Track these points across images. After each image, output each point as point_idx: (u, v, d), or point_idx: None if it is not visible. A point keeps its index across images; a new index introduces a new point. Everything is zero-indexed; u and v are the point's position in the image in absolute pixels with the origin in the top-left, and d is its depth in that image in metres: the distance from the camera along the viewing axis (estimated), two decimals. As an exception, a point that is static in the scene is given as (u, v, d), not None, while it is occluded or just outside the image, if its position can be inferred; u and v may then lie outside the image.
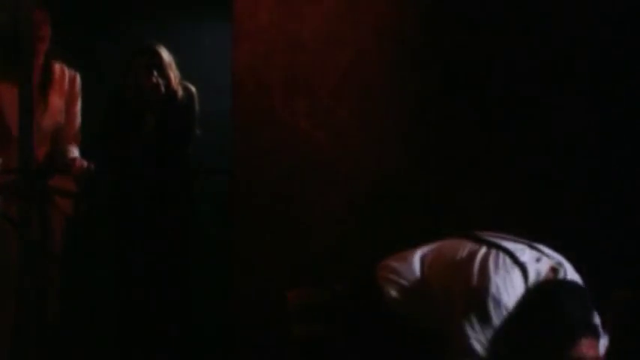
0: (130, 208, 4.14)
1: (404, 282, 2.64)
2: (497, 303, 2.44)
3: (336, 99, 3.81)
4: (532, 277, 2.49)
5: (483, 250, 2.58)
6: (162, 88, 4.13)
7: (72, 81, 4.17)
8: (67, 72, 4.16)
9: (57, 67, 4.12)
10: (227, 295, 4.05)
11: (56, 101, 4.08)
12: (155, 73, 4.11)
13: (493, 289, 2.45)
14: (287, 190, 3.83)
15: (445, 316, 2.51)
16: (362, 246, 3.72)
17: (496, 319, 2.44)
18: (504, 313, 2.44)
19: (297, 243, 3.84)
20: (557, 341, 2.38)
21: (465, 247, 2.63)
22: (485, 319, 2.43)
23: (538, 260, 2.54)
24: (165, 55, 4.17)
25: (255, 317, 3.81)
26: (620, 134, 3.58)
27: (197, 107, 4.28)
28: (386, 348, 2.62)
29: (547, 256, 2.58)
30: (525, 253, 2.56)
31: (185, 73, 4.26)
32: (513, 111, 3.70)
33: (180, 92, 4.22)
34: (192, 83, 4.29)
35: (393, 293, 2.63)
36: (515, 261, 2.52)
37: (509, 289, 2.46)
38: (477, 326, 2.43)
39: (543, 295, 2.46)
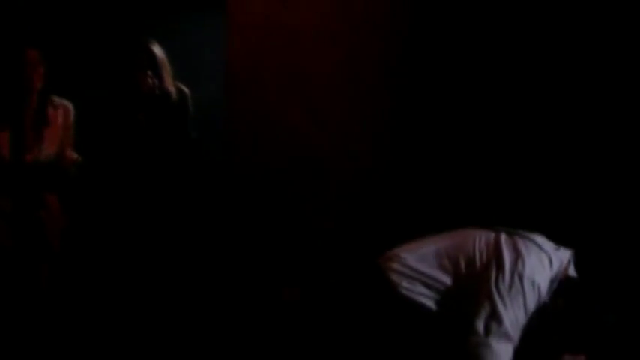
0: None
1: (415, 272, 2.60)
2: (532, 283, 2.43)
3: (330, 92, 3.83)
4: (555, 264, 2.51)
5: (505, 235, 2.58)
6: (157, 89, 4.13)
7: (66, 113, 4.17)
8: (61, 105, 4.16)
9: (50, 103, 4.12)
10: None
11: (51, 137, 4.08)
12: (150, 72, 4.11)
13: (528, 270, 2.45)
14: (279, 180, 3.84)
15: (471, 298, 2.48)
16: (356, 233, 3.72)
17: (530, 301, 2.43)
18: (537, 293, 2.44)
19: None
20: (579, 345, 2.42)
21: (482, 235, 2.62)
22: (519, 298, 2.42)
23: (557, 249, 2.56)
24: (159, 52, 4.17)
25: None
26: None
27: (190, 109, 4.28)
28: (390, 333, 2.61)
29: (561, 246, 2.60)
30: (545, 241, 2.57)
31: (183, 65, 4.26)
32: (506, 108, 3.72)
33: (173, 92, 4.22)
34: (190, 74, 4.27)
35: (405, 284, 2.59)
36: (540, 247, 2.53)
37: (541, 271, 2.47)
38: (509, 306, 2.41)
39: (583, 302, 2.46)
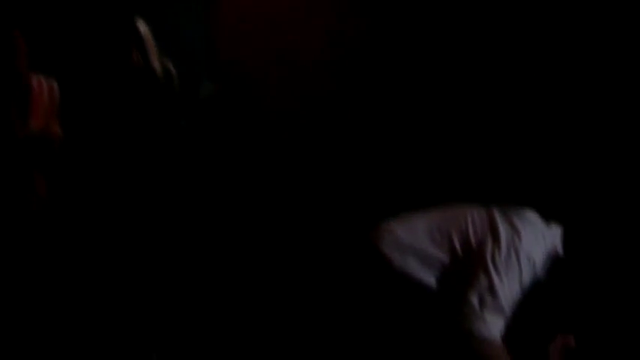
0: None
1: (407, 247, 2.59)
2: (528, 258, 2.44)
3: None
4: (549, 241, 2.52)
5: (498, 211, 2.58)
6: (141, 66, 4.13)
7: (50, 89, 4.17)
8: (45, 84, 4.15)
9: (35, 80, 4.12)
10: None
11: (37, 113, 4.07)
12: (135, 49, 4.11)
13: (525, 245, 2.45)
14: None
15: (465, 273, 2.48)
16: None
17: (526, 276, 2.44)
18: (533, 269, 2.45)
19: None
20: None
21: (474, 211, 2.61)
22: (515, 273, 2.42)
23: (549, 226, 2.56)
24: (143, 29, 4.15)
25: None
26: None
27: (177, 87, 4.26)
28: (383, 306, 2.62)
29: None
30: (537, 218, 2.58)
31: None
32: (484, 80, 3.74)
33: (158, 69, 4.21)
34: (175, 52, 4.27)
35: (397, 258, 2.58)
36: (535, 223, 2.55)
37: (537, 247, 2.48)
38: (505, 281, 2.41)
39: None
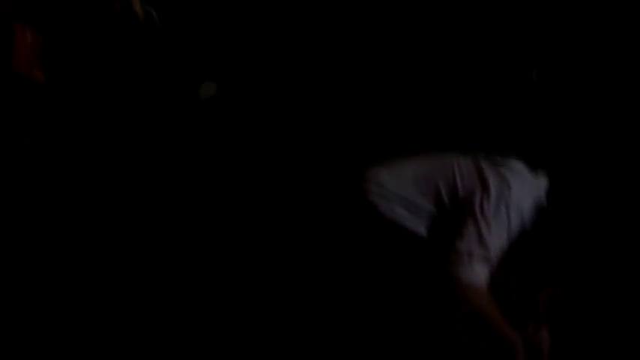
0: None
1: (393, 195, 2.51)
2: (518, 209, 2.41)
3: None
4: (535, 191, 2.48)
5: (486, 161, 2.52)
6: (124, 11, 4.15)
7: (34, 40, 4.17)
8: (30, 34, 4.16)
9: (19, 27, 4.12)
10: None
11: (19, 61, 4.08)
12: None
13: (514, 196, 2.41)
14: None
15: (453, 222, 2.43)
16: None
17: (514, 227, 2.40)
18: (521, 220, 2.41)
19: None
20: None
21: (460, 160, 2.54)
22: (504, 224, 2.38)
23: (535, 176, 2.53)
24: None
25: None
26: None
27: (159, 33, 4.28)
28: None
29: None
30: (524, 167, 2.53)
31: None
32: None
33: (140, 14, 4.23)
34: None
35: (384, 206, 2.51)
36: (523, 174, 2.50)
37: (526, 198, 2.44)
38: (494, 231, 2.38)
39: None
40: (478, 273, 2.33)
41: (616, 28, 3.51)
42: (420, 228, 2.49)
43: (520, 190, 2.43)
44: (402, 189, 2.52)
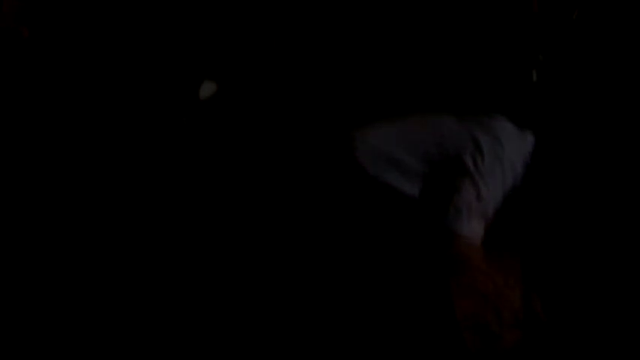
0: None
1: (382, 154, 2.50)
2: (511, 165, 2.45)
3: None
4: (524, 149, 2.52)
5: (475, 119, 2.55)
6: None
7: None
8: None
9: None
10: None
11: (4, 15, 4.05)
12: None
13: (507, 152, 2.45)
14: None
15: (446, 181, 2.47)
16: None
17: (508, 182, 2.43)
18: (514, 175, 2.45)
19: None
20: None
21: (448, 119, 2.56)
22: (498, 179, 2.42)
23: (523, 134, 2.56)
24: None
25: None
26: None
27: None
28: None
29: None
30: (513, 126, 2.55)
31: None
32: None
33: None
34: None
35: (372, 166, 2.49)
36: (512, 131, 2.53)
37: (518, 154, 2.48)
38: (491, 186, 2.41)
39: None
40: (476, 228, 2.36)
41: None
42: (411, 188, 2.47)
43: (511, 149, 2.47)
44: (391, 150, 2.52)
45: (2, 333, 3.10)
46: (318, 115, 3.70)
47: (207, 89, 4.21)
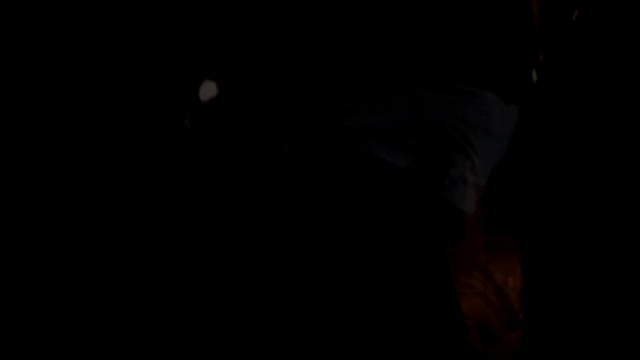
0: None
1: (371, 129, 2.45)
2: (500, 138, 2.42)
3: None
4: (510, 122, 2.48)
5: (462, 93, 2.49)
6: None
7: None
8: None
9: None
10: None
11: None
12: None
13: (496, 125, 2.41)
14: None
15: (439, 154, 2.43)
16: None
17: (498, 156, 2.41)
18: (503, 147, 2.43)
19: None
20: None
21: (435, 92, 2.50)
22: (489, 152, 2.40)
23: (508, 107, 2.50)
24: None
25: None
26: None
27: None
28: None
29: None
30: (499, 99, 2.49)
31: None
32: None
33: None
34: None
35: (362, 140, 2.44)
36: (499, 104, 2.47)
37: (506, 126, 2.45)
38: (483, 158, 2.39)
39: None
40: (471, 200, 2.33)
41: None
42: (403, 162, 2.42)
43: (499, 121, 2.42)
44: (380, 124, 2.45)
45: (2, 333, 3.11)
46: (307, 92, 3.68)
47: (207, 89, 4.21)
